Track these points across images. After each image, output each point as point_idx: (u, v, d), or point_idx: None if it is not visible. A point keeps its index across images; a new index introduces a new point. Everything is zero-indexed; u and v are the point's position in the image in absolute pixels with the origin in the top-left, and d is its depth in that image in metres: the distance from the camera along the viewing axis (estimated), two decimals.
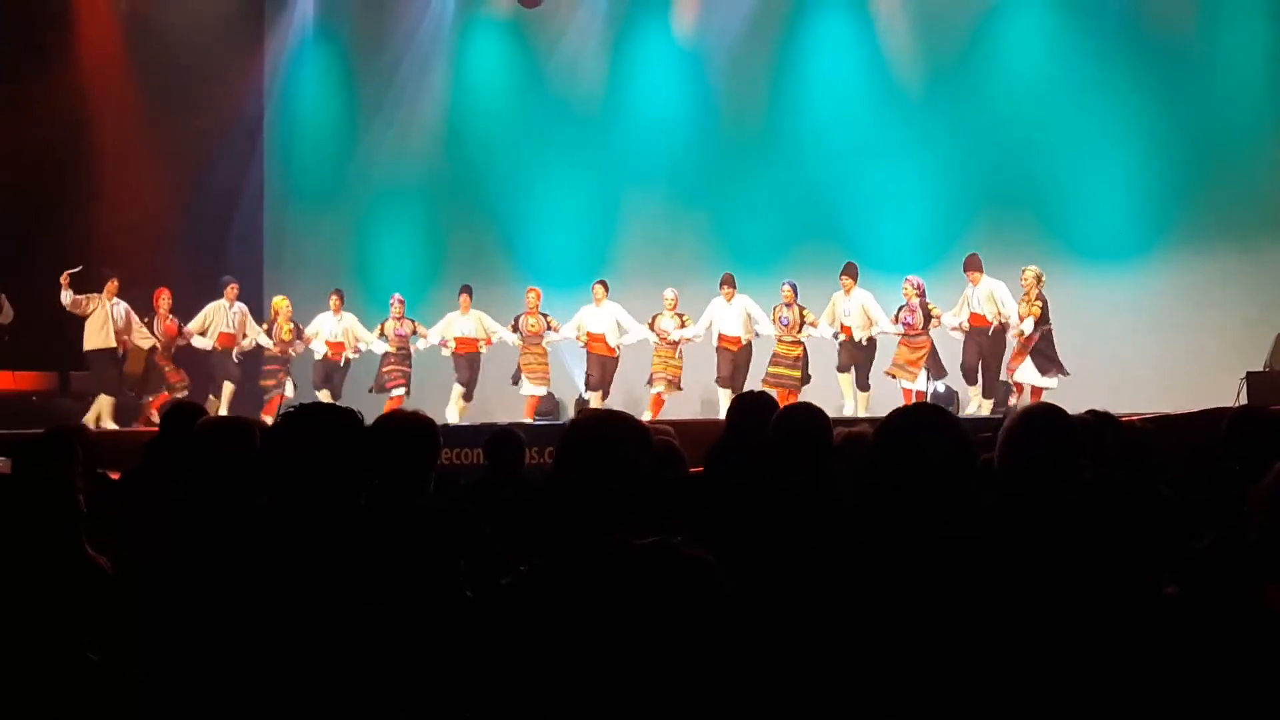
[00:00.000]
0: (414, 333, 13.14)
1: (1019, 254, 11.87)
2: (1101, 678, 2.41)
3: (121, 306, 12.53)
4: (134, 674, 2.74)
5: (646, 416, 11.78)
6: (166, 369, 12.80)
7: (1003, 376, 11.49)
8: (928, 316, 11.63)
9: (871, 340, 11.91)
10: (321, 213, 15.73)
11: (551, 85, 15.11)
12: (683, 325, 12.43)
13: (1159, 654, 2.41)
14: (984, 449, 2.93)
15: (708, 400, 12.85)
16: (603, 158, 14.69)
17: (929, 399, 11.49)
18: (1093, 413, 4.45)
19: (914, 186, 13.43)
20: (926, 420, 2.62)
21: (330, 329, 13.25)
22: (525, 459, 5.73)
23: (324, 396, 12.71)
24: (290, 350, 13.20)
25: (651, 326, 12.52)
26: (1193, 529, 3.29)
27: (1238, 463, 4.01)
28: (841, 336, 11.93)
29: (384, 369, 13.11)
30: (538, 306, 12.87)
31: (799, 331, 11.99)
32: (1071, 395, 9.58)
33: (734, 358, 12.19)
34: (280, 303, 13.29)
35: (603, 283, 12.84)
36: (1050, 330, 11.28)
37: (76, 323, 12.59)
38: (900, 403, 8.52)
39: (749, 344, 12.22)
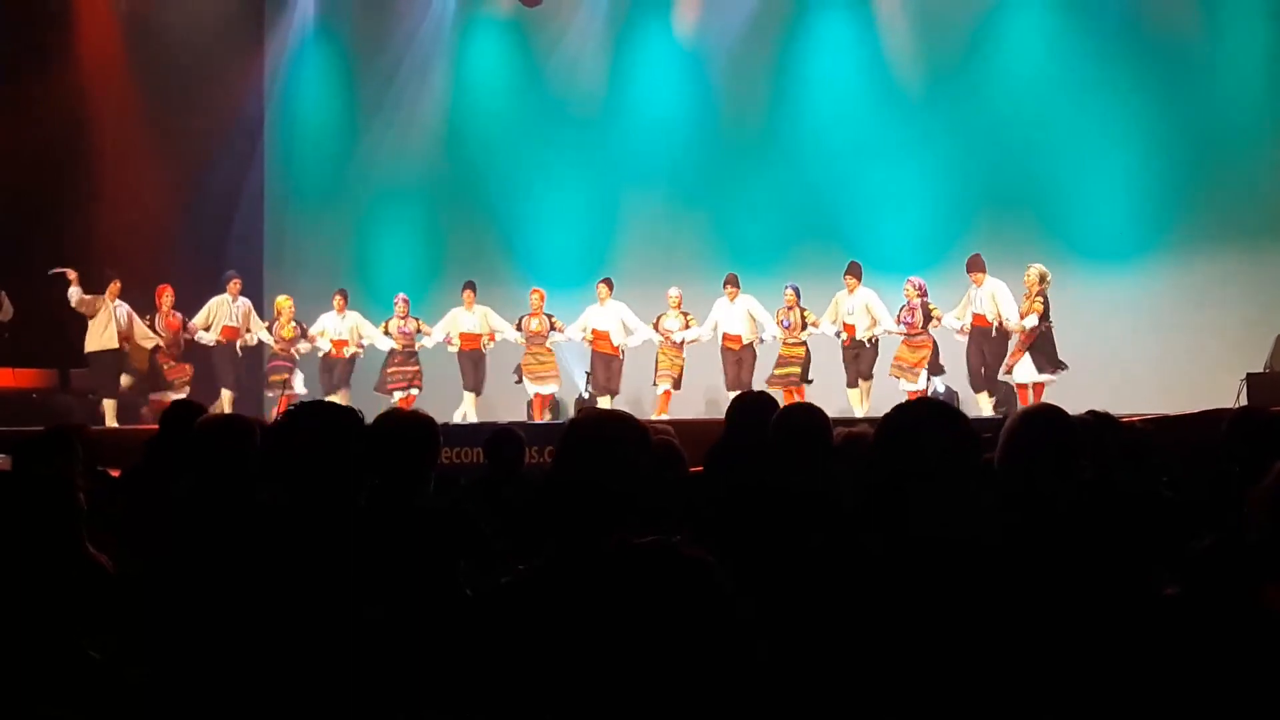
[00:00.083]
0: (419, 331, 13.14)
1: (1019, 254, 11.87)
2: (1102, 678, 2.41)
3: (124, 308, 12.54)
4: (134, 674, 2.73)
5: (654, 415, 11.81)
6: (166, 367, 12.80)
7: (1001, 376, 11.48)
8: (928, 317, 11.63)
9: (874, 340, 11.91)
10: (322, 213, 15.73)
11: (552, 85, 15.11)
12: (687, 325, 12.43)
13: (1159, 654, 2.40)
14: (984, 449, 2.92)
15: (712, 400, 12.86)
16: (603, 158, 14.68)
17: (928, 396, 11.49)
18: (1093, 413, 4.45)
19: (914, 187, 13.43)
20: (927, 417, 2.60)
21: (334, 328, 13.24)
22: (525, 458, 5.73)
23: (334, 396, 12.72)
24: (293, 349, 13.19)
25: (656, 326, 12.53)
26: (1193, 529, 3.29)
27: (1238, 464, 4.02)
28: (844, 335, 11.93)
29: (387, 370, 13.11)
30: (542, 307, 12.87)
31: (801, 332, 12.00)
32: (1071, 395, 9.57)
33: (737, 357, 12.21)
34: (284, 302, 13.30)
35: (607, 281, 12.85)
36: (1050, 328, 11.28)
37: (77, 321, 12.59)
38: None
39: (751, 344, 12.23)
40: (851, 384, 12.00)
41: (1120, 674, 2.41)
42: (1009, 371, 11.40)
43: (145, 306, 12.81)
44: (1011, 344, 11.45)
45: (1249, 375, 10.36)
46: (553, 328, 12.82)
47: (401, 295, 13.25)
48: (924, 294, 11.71)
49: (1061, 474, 3.02)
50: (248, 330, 13.21)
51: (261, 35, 16.30)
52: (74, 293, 12.22)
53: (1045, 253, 11.94)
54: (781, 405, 4.36)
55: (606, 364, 12.64)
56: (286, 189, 16.20)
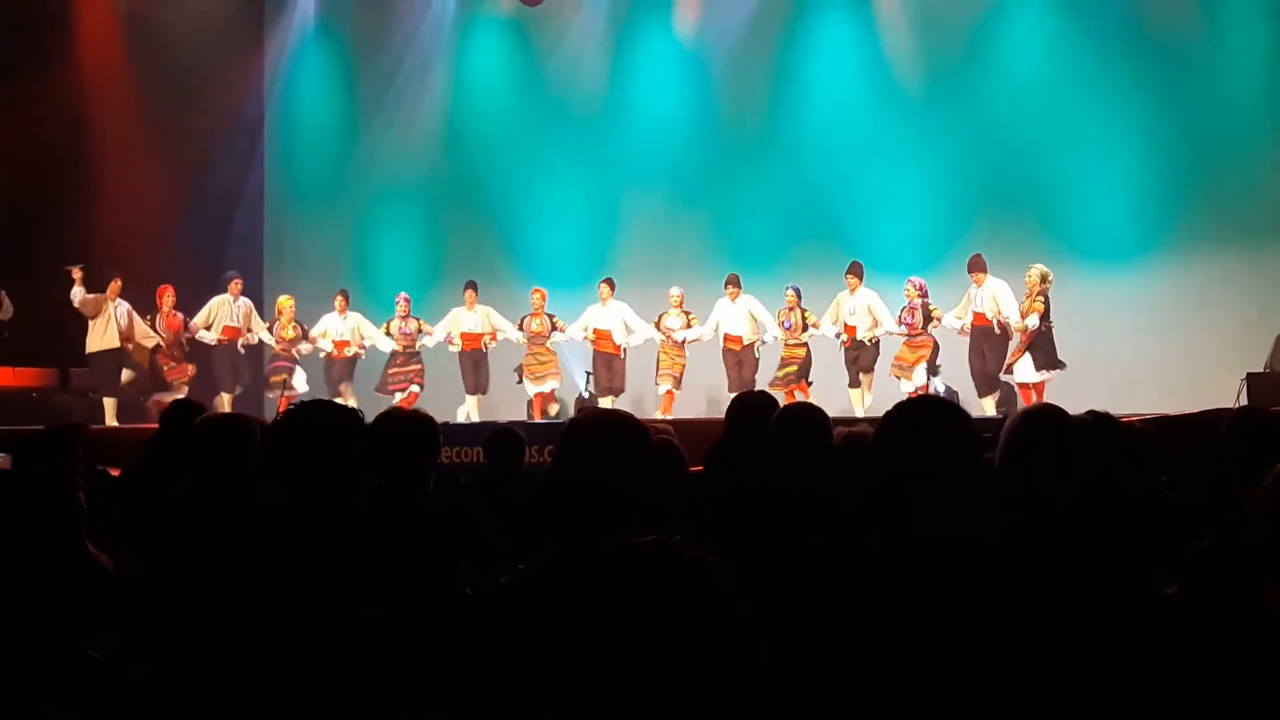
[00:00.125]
0: (420, 330, 13.13)
1: (1019, 254, 11.87)
2: (1102, 678, 2.41)
3: (124, 307, 12.54)
4: (134, 674, 2.73)
5: (659, 414, 11.82)
6: (167, 367, 12.81)
7: (1002, 376, 11.48)
8: (928, 317, 11.63)
9: (876, 341, 11.91)
10: (322, 213, 15.72)
11: (552, 85, 15.11)
12: (689, 324, 12.43)
13: (1159, 654, 2.40)
14: (985, 449, 2.92)
15: (713, 400, 12.85)
16: (603, 157, 14.68)
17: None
18: (1092, 413, 4.45)
19: (914, 187, 13.43)
20: (928, 414, 2.60)
21: (336, 329, 13.24)
22: (525, 458, 5.73)
23: (341, 396, 12.73)
24: (294, 350, 13.19)
25: (657, 325, 12.53)
26: (1193, 529, 3.29)
27: (1238, 464, 4.02)
28: (844, 337, 11.93)
29: (389, 370, 13.12)
30: (543, 307, 12.87)
31: (802, 333, 12.01)
32: (1071, 395, 9.57)
33: (738, 358, 12.21)
34: (285, 302, 13.30)
35: (609, 281, 12.84)
36: (1050, 328, 11.27)
37: (77, 320, 12.59)
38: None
39: (753, 345, 12.23)
40: (853, 384, 12.00)
41: (1120, 674, 2.41)
42: (1009, 371, 11.40)
43: (146, 306, 12.81)
44: (1012, 344, 11.45)
45: (1249, 375, 10.36)
46: (554, 328, 12.81)
47: (403, 295, 13.25)
48: (924, 294, 11.72)
49: (1061, 474, 3.02)
50: (249, 330, 13.20)
51: (261, 35, 16.29)
52: (77, 293, 12.22)
53: (1045, 253, 11.95)
54: (782, 405, 4.35)
55: (609, 364, 12.64)
56: (287, 189, 16.20)
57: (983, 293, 11.55)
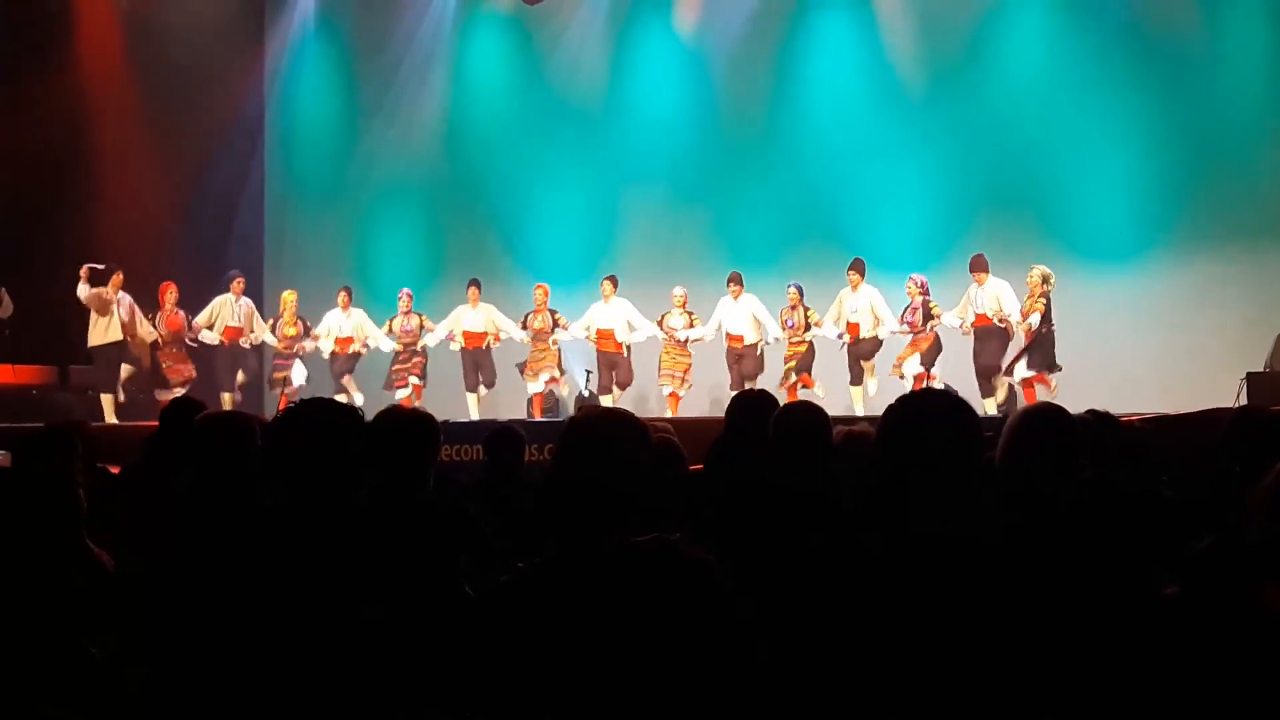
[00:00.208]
0: (422, 327, 13.13)
1: (1019, 254, 11.88)
2: (1102, 678, 2.41)
3: (126, 300, 12.54)
4: (134, 674, 2.73)
5: (666, 413, 11.83)
6: (166, 365, 12.81)
7: (1002, 376, 11.48)
8: (928, 315, 11.63)
9: (880, 340, 11.91)
10: (322, 212, 15.73)
11: (553, 83, 15.12)
12: (691, 324, 12.43)
13: (1159, 654, 2.40)
14: (987, 447, 2.92)
15: (716, 399, 12.85)
16: (603, 156, 14.69)
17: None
18: (1092, 412, 4.45)
19: (914, 186, 13.44)
20: (931, 407, 2.58)
21: (339, 325, 13.24)
22: (525, 456, 5.72)
23: (346, 392, 12.72)
24: (296, 346, 13.19)
25: (660, 325, 12.53)
26: (1193, 529, 3.29)
27: (1238, 463, 4.02)
28: (846, 337, 11.93)
29: (393, 368, 13.13)
30: (545, 303, 12.87)
31: (805, 332, 12.01)
32: (1071, 395, 9.58)
33: (739, 355, 12.22)
34: (288, 297, 13.31)
35: (612, 279, 12.83)
36: (1052, 330, 11.26)
37: (77, 318, 12.60)
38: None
39: (755, 344, 12.23)
40: (854, 381, 11.99)
41: (1120, 674, 2.41)
42: (1009, 373, 11.40)
43: (147, 305, 12.81)
44: (1014, 343, 11.45)
45: (1249, 375, 10.36)
46: (556, 324, 12.81)
47: (405, 290, 13.24)
48: (926, 291, 11.71)
49: (1062, 473, 3.02)
50: (251, 330, 13.21)
51: (261, 35, 16.30)
52: (83, 289, 12.22)
53: (1045, 252, 11.95)
54: (783, 404, 4.35)
55: (612, 361, 12.63)
56: (287, 188, 16.20)
57: (984, 292, 11.55)
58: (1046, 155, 13.05)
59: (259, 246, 15.93)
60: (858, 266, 12.01)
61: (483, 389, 13.02)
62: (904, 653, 2.31)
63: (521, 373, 12.88)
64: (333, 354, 13.18)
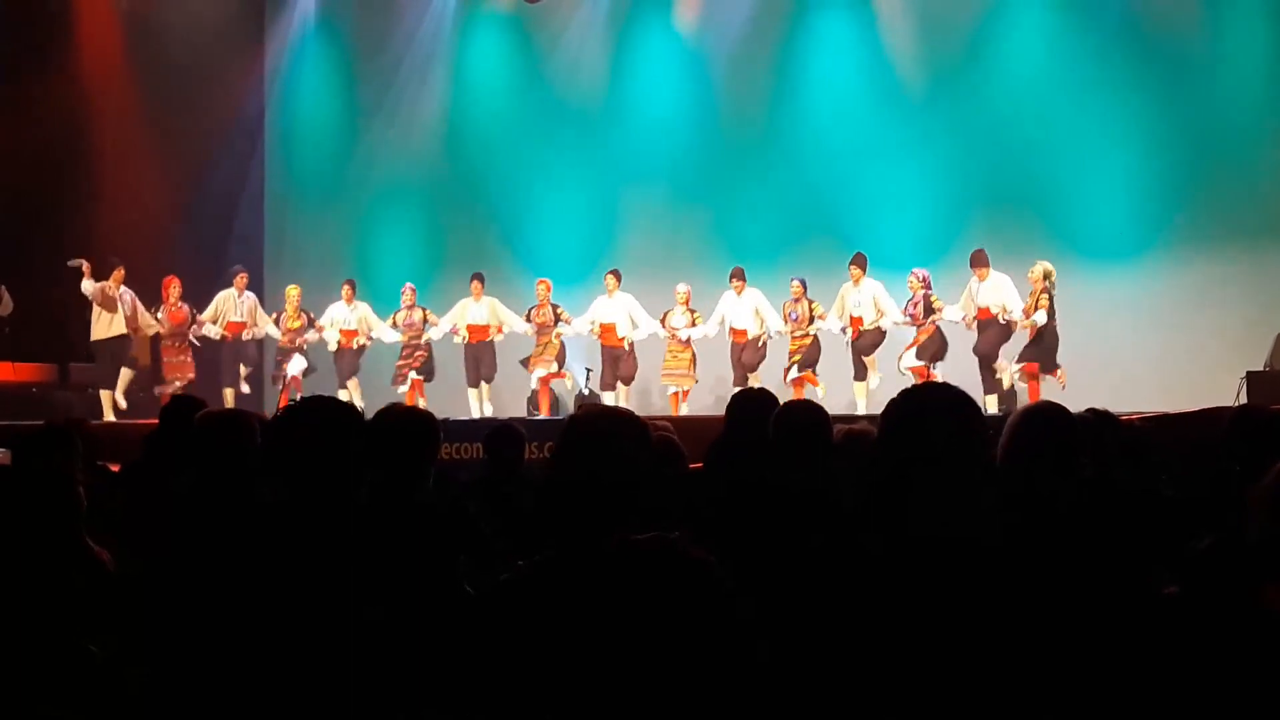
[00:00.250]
0: (425, 321, 13.13)
1: (1020, 253, 11.86)
2: (1102, 678, 2.41)
3: (128, 295, 12.55)
4: (134, 674, 2.73)
5: (671, 412, 11.83)
6: (166, 360, 12.83)
7: (1011, 370, 11.46)
8: (929, 309, 11.63)
9: (881, 331, 11.91)
10: (322, 212, 15.73)
11: (553, 83, 15.12)
12: (694, 323, 12.43)
13: (1159, 654, 2.40)
14: (990, 446, 2.91)
15: (720, 397, 12.84)
16: (603, 156, 14.69)
17: None
18: (1092, 411, 4.44)
19: (914, 185, 13.44)
20: (934, 401, 2.57)
21: (344, 318, 13.24)
22: (525, 454, 5.72)
23: (348, 392, 12.71)
24: (299, 339, 13.19)
25: (663, 322, 12.53)
26: (1193, 528, 3.28)
27: (1237, 462, 4.02)
28: (850, 331, 11.93)
29: (398, 363, 13.14)
30: (548, 298, 12.87)
31: (809, 326, 12.01)
32: (1071, 394, 9.58)
33: (742, 350, 12.22)
34: (292, 291, 13.33)
35: (615, 273, 12.83)
36: (1054, 327, 11.25)
37: (77, 316, 12.62)
38: None
39: (757, 338, 12.24)
40: (858, 376, 11.99)
41: (1120, 674, 2.41)
42: (1010, 369, 11.40)
43: (148, 302, 12.83)
44: (1015, 336, 11.43)
45: (1249, 373, 10.36)
46: (558, 319, 12.81)
47: (409, 285, 13.25)
48: (927, 285, 11.71)
49: (1062, 472, 3.02)
50: (254, 325, 13.22)
51: (262, 34, 16.30)
52: (87, 285, 12.24)
53: (1046, 252, 11.93)
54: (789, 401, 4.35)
55: (614, 356, 12.63)
56: (287, 188, 16.20)
57: (985, 286, 11.54)
58: (1046, 155, 13.05)
59: (259, 246, 15.93)
60: (859, 261, 12.01)
61: (484, 384, 13.02)
62: (904, 653, 2.31)
63: (526, 367, 12.91)
64: (339, 348, 13.18)
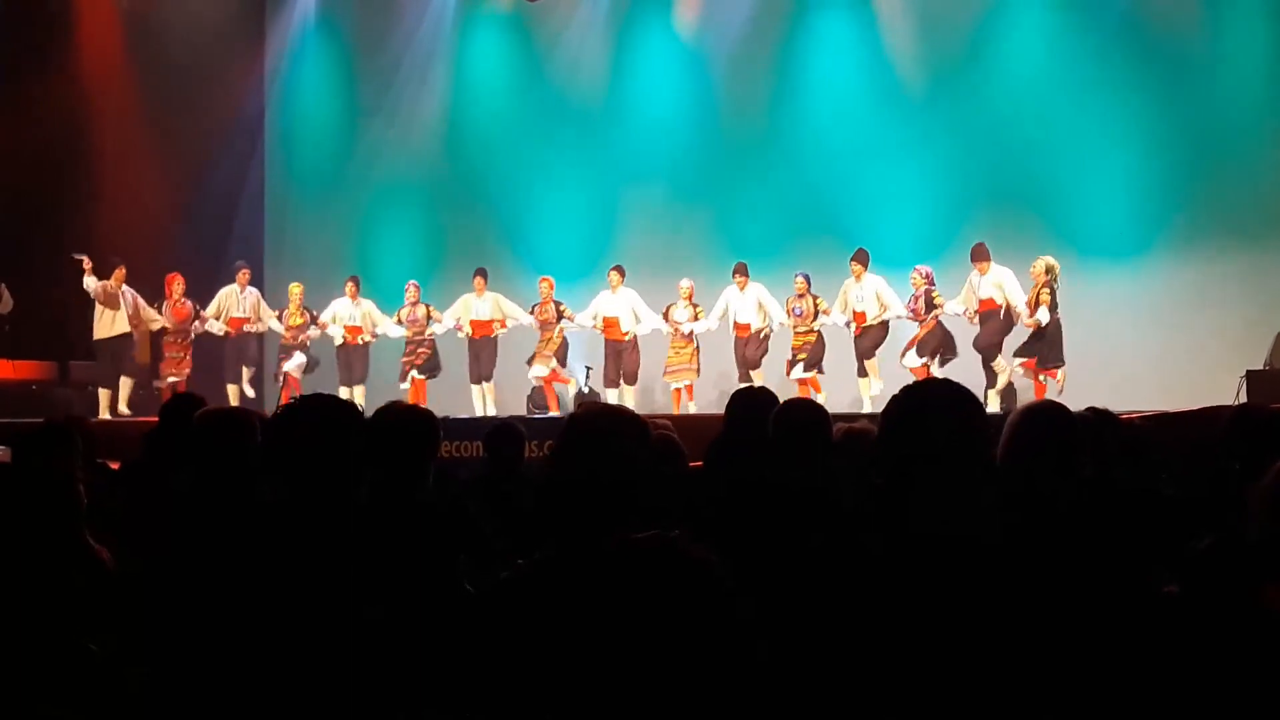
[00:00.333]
0: (429, 317, 13.13)
1: (1020, 253, 11.86)
2: (1102, 678, 2.40)
3: (130, 293, 12.55)
4: (134, 673, 2.73)
5: (674, 409, 11.83)
6: (168, 356, 12.83)
7: (1012, 366, 11.46)
8: (930, 304, 11.62)
9: (884, 327, 11.91)
10: (322, 211, 15.73)
11: (553, 82, 15.12)
12: (696, 317, 12.44)
13: (1159, 654, 2.40)
14: (991, 444, 2.91)
15: (725, 393, 12.82)
16: (604, 155, 14.69)
17: None
18: (1092, 410, 4.44)
19: (914, 185, 13.44)
20: (936, 397, 2.55)
21: (348, 314, 13.24)
22: (525, 453, 5.72)
23: (351, 391, 12.69)
24: (302, 336, 13.19)
25: (665, 317, 12.53)
26: (1192, 527, 3.28)
27: (1237, 461, 4.01)
28: (854, 325, 11.93)
29: (402, 359, 13.15)
30: (551, 295, 12.87)
31: (813, 321, 12.01)
32: (1071, 392, 9.59)
33: (745, 345, 12.22)
34: (295, 289, 13.35)
35: (619, 269, 12.84)
36: (1058, 322, 11.24)
37: (77, 314, 12.63)
38: None
39: (760, 332, 12.23)
40: (862, 373, 11.99)
41: (1120, 674, 2.41)
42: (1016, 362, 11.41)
43: (150, 299, 12.84)
44: (1016, 328, 11.42)
45: (1248, 372, 10.37)
46: (561, 315, 12.81)
47: (413, 282, 13.25)
48: (930, 282, 11.71)
49: (1062, 471, 3.02)
50: (257, 320, 13.23)
51: (262, 33, 16.31)
52: (89, 281, 12.24)
53: (1045, 251, 11.93)
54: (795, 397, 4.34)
55: (617, 351, 12.63)
56: (287, 187, 16.21)
57: (986, 280, 11.53)
58: (1046, 155, 13.05)
59: (259, 246, 15.93)
60: (860, 257, 12.02)
61: (486, 382, 13.03)
62: (904, 653, 2.31)
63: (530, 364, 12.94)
64: (344, 343, 13.17)
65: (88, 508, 3.06)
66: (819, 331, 12.10)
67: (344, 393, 12.32)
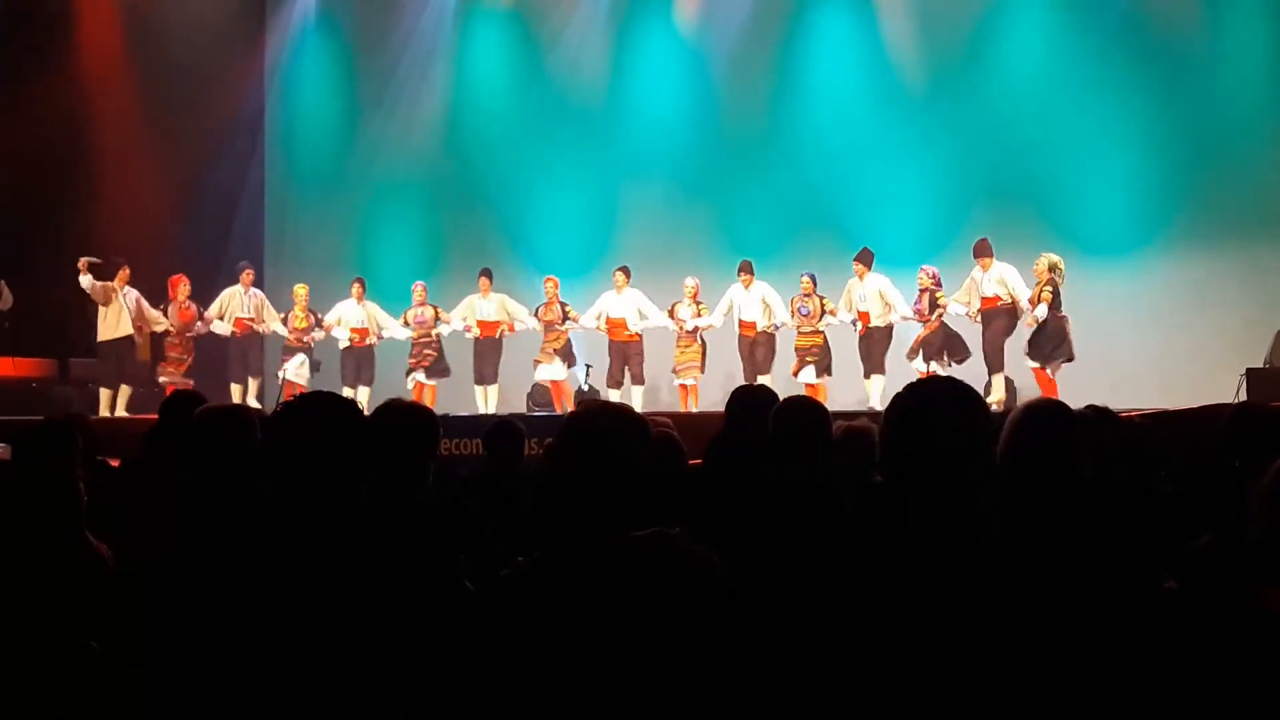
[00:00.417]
0: (437, 318, 13.13)
1: (1020, 252, 11.86)
2: (1102, 678, 2.40)
3: (133, 294, 12.55)
4: (134, 672, 2.73)
5: (679, 408, 11.83)
6: (170, 357, 12.83)
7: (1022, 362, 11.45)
8: (933, 304, 11.61)
9: (889, 327, 11.90)
10: (323, 210, 15.74)
11: (553, 80, 15.13)
12: (699, 315, 12.44)
13: (1159, 654, 2.40)
14: (992, 442, 2.90)
15: (730, 391, 12.82)
16: (604, 154, 14.71)
17: None
18: (1092, 408, 4.44)
19: (915, 184, 13.45)
20: (938, 395, 2.55)
21: (353, 316, 13.25)
22: (525, 451, 5.71)
23: (356, 391, 12.69)
24: (306, 338, 13.19)
25: (670, 314, 12.53)
26: (1192, 525, 3.28)
27: (1237, 459, 4.02)
28: (859, 324, 11.92)
29: (410, 359, 13.15)
30: (556, 295, 12.88)
31: (819, 321, 12.01)
32: (1071, 391, 9.57)
33: (753, 343, 12.23)
34: (300, 290, 13.33)
35: (624, 269, 12.84)
36: (1062, 319, 11.20)
37: (77, 312, 12.62)
38: None
39: (764, 331, 12.23)
40: (868, 374, 11.98)
41: (1120, 674, 2.41)
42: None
43: (153, 300, 12.84)
44: (1022, 323, 11.40)
45: (1248, 370, 10.38)
46: (566, 316, 12.82)
47: (420, 283, 13.25)
48: (937, 283, 11.69)
49: (1063, 471, 3.01)
50: (261, 321, 13.23)
51: (262, 32, 16.32)
52: (86, 279, 12.24)
53: (1045, 250, 11.95)
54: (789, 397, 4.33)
55: (623, 351, 12.63)
56: (287, 186, 16.22)
57: (989, 276, 11.52)
58: (1046, 154, 13.06)
59: (259, 245, 15.94)
60: (864, 257, 12.00)
61: (489, 384, 13.03)
62: (904, 652, 2.31)
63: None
64: (351, 345, 13.16)
65: (88, 506, 3.06)
66: (824, 333, 12.08)
67: (345, 391, 12.31)
